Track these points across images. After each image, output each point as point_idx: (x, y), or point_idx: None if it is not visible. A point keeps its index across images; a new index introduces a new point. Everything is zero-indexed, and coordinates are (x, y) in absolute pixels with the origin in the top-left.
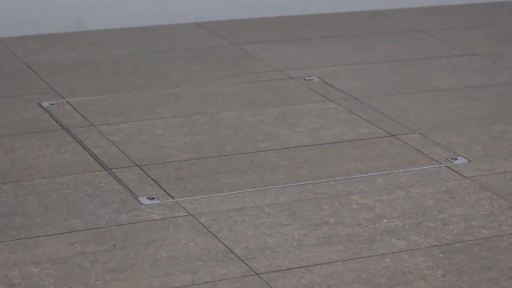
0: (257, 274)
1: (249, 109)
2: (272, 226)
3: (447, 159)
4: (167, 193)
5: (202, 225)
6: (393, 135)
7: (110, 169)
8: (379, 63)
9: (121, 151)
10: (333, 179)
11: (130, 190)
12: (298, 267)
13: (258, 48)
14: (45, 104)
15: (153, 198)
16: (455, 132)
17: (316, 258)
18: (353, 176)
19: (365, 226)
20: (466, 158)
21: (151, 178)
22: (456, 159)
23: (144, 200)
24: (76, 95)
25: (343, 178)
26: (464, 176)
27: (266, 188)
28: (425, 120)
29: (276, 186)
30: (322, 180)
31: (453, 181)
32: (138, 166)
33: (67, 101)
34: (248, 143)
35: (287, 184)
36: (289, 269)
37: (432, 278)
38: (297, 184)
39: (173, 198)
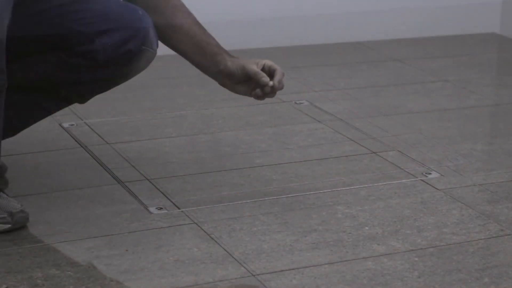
0: (254, 276)
1: (246, 129)
2: (267, 233)
3: (422, 173)
4: (173, 203)
5: (205, 232)
6: (374, 152)
7: (123, 183)
8: (362, 89)
9: (133, 166)
10: (321, 191)
11: (141, 201)
12: (289, 269)
13: None
14: (65, 125)
15: (161, 208)
16: (429, 150)
17: (306, 261)
18: (339, 189)
19: (350, 233)
20: (439, 173)
21: (159, 190)
22: (430, 173)
23: (153, 210)
24: (93, 116)
25: (330, 190)
26: (437, 189)
27: (262, 199)
28: (403, 139)
29: (270, 198)
30: (311, 192)
31: (427, 193)
32: (148, 180)
33: (84, 122)
34: (246, 159)
35: (280, 196)
36: (282, 271)
37: (409, 279)
38: (289, 195)
39: (179, 208)
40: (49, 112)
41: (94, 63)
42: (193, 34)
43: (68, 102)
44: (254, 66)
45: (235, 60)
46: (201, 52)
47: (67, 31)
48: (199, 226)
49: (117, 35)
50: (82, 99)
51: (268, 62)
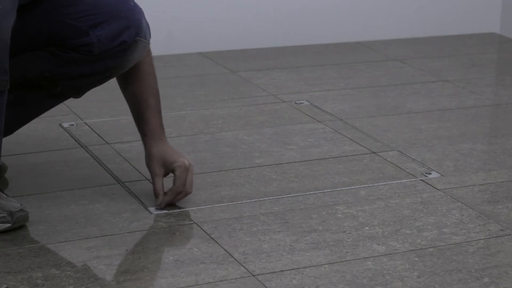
0: (254, 276)
1: (246, 129)
2: (267, 233)
3: (422, 173)
4: (173, 203)
5: (205, 232)
6: (374, 152)
7: (123, 182)
8: (362, 89)
9: (133, 166)
10: (321, 191)
11: (141, 201)
12: (289, 269)
13: (254, 75)
14: (65, 125)
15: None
16: (429, 150)
17: (306, 261)
18: (339, 189)
19: (349, 233)
20: (439, 173)
21: None
22: (430, 173)
23: (153, 210)
24: (93, 116)
25: (330, 190)
26: (437, 189)
27: (262, 199)
28: (403, 139)
29: (270, 198)
30: (311, 192)
31: (427, 193)
32: (148, 180)
33: (85, 122)
34: (246, 159)
35: (280, 196)
36: (282, 271)
37: (409, 279)
38: (289, 195)
39: (179, 208)
40: (45, 109)
41: (90, 56)
42: (141, 101)
43: (63, 97)
44: (157, 177)
45: (148, 152)
46: (137, 121)
47: (60, 26)
48: (199, 226)
49: (111, 26)
50: (78, 93)
51: (177, 172)
